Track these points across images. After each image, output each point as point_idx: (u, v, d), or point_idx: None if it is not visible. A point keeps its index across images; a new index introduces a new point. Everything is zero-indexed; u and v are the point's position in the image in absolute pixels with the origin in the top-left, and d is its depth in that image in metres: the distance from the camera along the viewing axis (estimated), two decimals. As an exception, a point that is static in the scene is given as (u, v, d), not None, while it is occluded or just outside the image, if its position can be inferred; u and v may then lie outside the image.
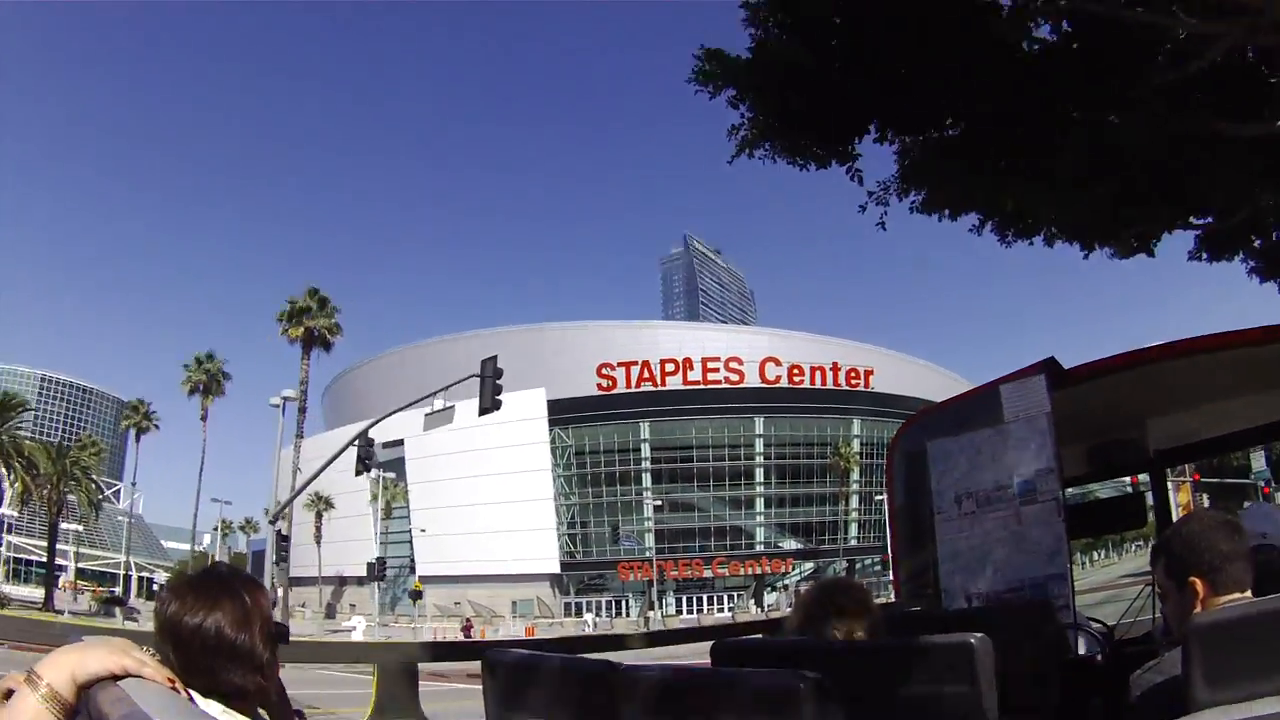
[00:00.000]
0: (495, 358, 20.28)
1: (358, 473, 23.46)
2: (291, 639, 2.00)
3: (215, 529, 73.86)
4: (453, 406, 23.55)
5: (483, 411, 19.83)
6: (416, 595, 55.46)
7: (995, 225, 7.73)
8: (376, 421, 24.40)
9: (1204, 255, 8.60)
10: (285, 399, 36.27)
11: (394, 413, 24.08)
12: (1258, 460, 47.08)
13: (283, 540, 28.03)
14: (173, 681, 1.39)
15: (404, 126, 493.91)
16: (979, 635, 2.02)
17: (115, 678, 1.30)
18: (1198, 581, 2.05)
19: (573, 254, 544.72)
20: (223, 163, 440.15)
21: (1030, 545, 3.95)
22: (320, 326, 46.76)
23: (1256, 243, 8.79)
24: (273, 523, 27.78)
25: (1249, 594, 2.00)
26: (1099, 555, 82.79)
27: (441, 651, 7.13)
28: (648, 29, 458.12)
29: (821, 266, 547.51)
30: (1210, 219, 8.34)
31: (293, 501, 29.40)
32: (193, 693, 1.44)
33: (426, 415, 23.77)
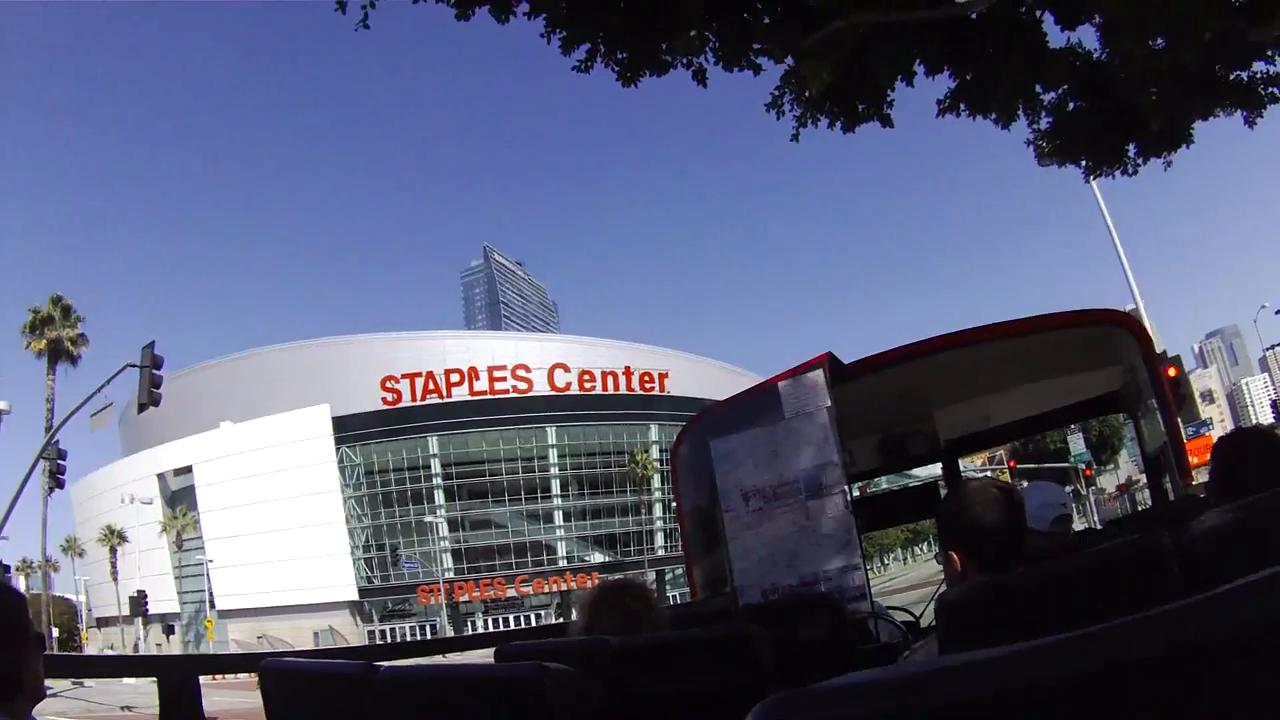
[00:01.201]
0: (152, 344, 18.98)
1: (49, 490, 21.67)
2: (70, 653, 1.68)
3: (12, 569, 65.33)
4: (111, 404, 22.04)
5: (141, 408, 18.83)
6: (169, 630, 50.91)
7: (607, 50, 5.28)
8: (57, 425, 22.41)
9: (961, 107, 6.22)
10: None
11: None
12: (1076, 443, 48.77)
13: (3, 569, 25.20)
14: None
15: (189, 128, 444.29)
16: (755, 625, 2.06)
17: None
18: (955, 556, 2.04)
19: (373, 269, 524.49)
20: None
21: (821, 538, 3.93)
22: (65, 337, 44.35)
23: (1045, 99, 6.33)
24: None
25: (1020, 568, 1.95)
26: (921, 550, 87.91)
27: (221, 663, 7.29)
28: (455, 37, 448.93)
29: (624, 278, 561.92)
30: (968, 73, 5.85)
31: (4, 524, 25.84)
32: None
33: (91, 416, 21.79)
